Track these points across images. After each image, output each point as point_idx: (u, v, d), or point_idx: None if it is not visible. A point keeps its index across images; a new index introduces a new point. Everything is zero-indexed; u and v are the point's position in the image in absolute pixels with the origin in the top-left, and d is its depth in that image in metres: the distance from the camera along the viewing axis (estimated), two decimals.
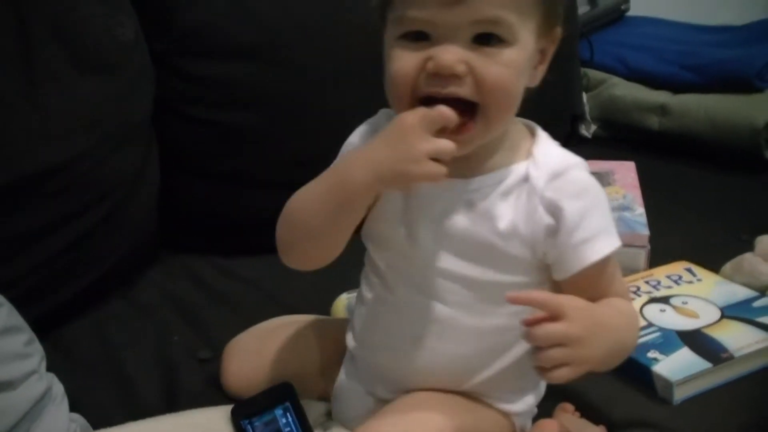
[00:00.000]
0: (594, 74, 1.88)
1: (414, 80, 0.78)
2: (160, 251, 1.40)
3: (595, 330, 0.78)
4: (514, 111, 0.82)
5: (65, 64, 1.17)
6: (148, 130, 1.32)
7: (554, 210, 0.82)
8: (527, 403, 0.94)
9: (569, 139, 1.77)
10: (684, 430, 0.97)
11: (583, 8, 2.04)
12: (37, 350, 1.03)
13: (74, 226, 1.19)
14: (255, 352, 1.04)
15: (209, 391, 1.07)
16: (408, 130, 0.76)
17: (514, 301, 0.77)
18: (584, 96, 1.84)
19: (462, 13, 0.76)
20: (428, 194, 0.84)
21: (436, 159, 0.76)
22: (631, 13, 2.10)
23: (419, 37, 0.78)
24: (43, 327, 1.05)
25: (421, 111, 0.77)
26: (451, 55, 0.76)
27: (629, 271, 1.24)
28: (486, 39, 0.77)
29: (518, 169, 0.84)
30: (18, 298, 1.01)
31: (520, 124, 0.88)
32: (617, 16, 2.06)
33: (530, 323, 0.75)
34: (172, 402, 1.07)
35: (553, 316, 0.75)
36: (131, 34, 1.26)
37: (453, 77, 0.76)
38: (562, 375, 0.76)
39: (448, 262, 0.85)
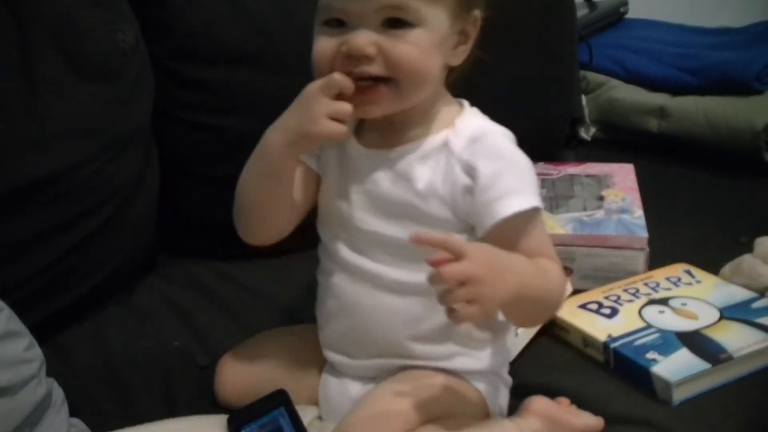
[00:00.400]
0: (593, 77, 1.88)
1: (332, 62, 0.87)
2: (159, 256, 1.40)
3: (499, 270, 0.81)
4: (428, 85, 0.89)
5: (65, 70, 1.17)
6: (147, 135, 1.32)
7: (470, 170, 0.89)
8: (485, 361, 0.97)
9: (569, 142, 1.77)
10: (683, 430, 0.97)
11: (581, 11, 2.04)
12: (37, 355, 1.03)
13: (74, 231, 1.19)
14: (248, 365, 1.07)
15: (208, 397, 1.08)
16: (309, 96, 0.88)
17: (418, 242, 0.80)
18: (583, 99, 1.84)
19: (369, 2, 0.85)
20: (357, 165, 0.95)
21: (340, 120, 0.87)
22: (629, 15, 2.10)
23: (339, 24, 0.87)
24: (42, 332, 1.04)
25: (321, 80, 0.87)
26: (361, 38, 0.85)
27: (628, 273, 1.24)
28: (394, 23, 0.85)
29: (438, 137, 0.92)
30: (18, 303, 1.01)
31: (452, 102, 0.96)
32: (616, 19, 2.07)
33: (433, 263, 0.78)
34: (170, 408, 1.08)
35: (456, 256, 0.78)
36: (131, 40, 1.26)
37: (364, 58, 0.85)
38: (469, 313, 0.79)
39: (376, 224, 0.93)
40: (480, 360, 0.97)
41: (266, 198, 0.96)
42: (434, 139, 0.92)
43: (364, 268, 0.95)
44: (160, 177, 1.36)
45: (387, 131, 0.94)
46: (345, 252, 0.96)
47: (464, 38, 0.92)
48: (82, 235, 1.20)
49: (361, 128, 0.97)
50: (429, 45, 0.86)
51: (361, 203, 0.94)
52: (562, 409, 0.99)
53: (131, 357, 1.16)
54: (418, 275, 0.86)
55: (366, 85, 0.87)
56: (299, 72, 1.34)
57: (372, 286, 0.95)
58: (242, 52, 1.33)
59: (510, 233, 0.88)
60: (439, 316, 0.89)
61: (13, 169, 1.12)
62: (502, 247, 0.84)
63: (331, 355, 1.01)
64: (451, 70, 0.94)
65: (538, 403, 0.97)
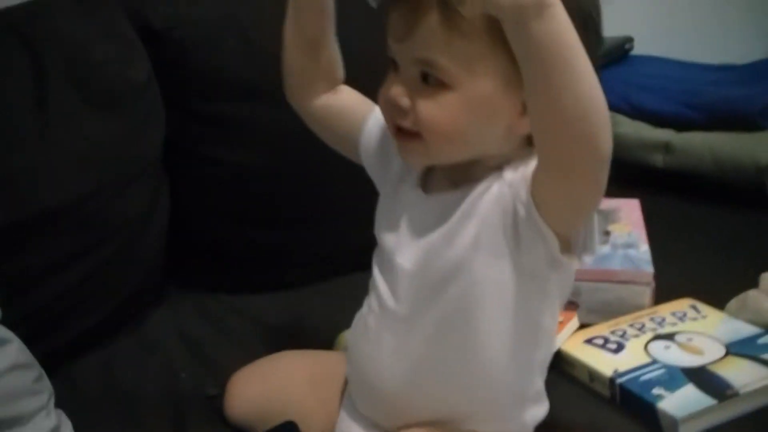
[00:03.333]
0: None
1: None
2: (169, 289, 1.41)
3: None
4: (460, 145, 0.85)
5: (78, 104, 1.19)
6: (158, 168, 1.34)
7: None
8: (519, 423, 0.94)
9: None
10: None
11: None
12: (46, 387, 1.04)
13: (84, 262, 1.21)
14: (259, 383, 1.07)
15: (217, 427, 1.08)
16: None
17: None
18: None
19: (407, 50, 0.83)
20: (412, 206, 0.92)
21: None
22: (634, 52, 2.11)
23: (396, 65, 0.86)
24: (51, 364, 1.05)
25: None
26: (396, 90, 0.84)
27: (634, 308, 1.24)
28: (430, 78, 0.82)
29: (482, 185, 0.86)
30: (27, 335, 1.02)
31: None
32: (621, 55, 2.07)
33: None
34: None
35: None
36: (143, 75, 1.28)
37: (398, 108, 0.84)
38: None
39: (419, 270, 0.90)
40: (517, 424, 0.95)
41: (294, 39, 0.96)
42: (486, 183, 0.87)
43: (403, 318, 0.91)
44: (171, 210, 1.37)
45: (446, 182, 0.91)
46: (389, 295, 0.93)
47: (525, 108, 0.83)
48: (92, 266, 1.22)
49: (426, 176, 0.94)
50: (460, 109, 0.82)
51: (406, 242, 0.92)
52: None
53: (140, 388, 1.17)
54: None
55: (400, 135, 0.86)
56: None
57: (403, 335, 0.92)
58: (252, 87, 1.35)
59: None
60: (469, 373, 0.89)
61: (26, 200, 1.13)
62: None
63: (361, 406, 0.99)
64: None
65: None
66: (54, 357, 1.10)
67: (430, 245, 0.88)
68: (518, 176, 0.83)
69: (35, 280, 1.15)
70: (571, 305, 1.25)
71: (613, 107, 1.85)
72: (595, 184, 0.77)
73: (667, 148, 1.75)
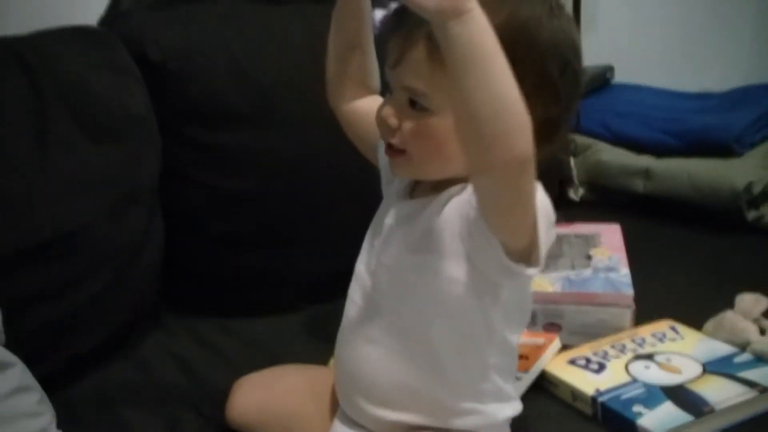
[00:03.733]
0: (581, 140, 1.94)
1: None
2: (164, 312, 1.44)
3: None
4: (441, 163, 0.92)
5: (77, 132, 1.23)
6: (153, 195, 1.37)
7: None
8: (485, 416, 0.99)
9: (558, 203, 1.82)
10: None
11: None
12: (48, 409, 1.06)
13: (81, 288, 1.23)
14: (261, 390, 1.12)
15: None
16: None
17: None
18: (572, 161, 1.90)
19: (397, 76, 0.92)
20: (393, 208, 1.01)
21: None
22: (615, 80, 2.17)
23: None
24: (49, 385, 1.07)
25: None
26: (386, 110, 0.93)
27: (615, 329, 1.28)
28: (415, 104, 0.91)
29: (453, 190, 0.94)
30: (26, 358, 1.04)
31: None
32: (602, 84, 2.13)
33: None
34: None
35: None
36: (141, 105, 1.32)
37: (387, 127, 0.93)
38: None
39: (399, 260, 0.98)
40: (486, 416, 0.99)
41: (333, 44, 1.05)
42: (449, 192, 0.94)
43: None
44: (166, 235, 1.40)
45: (429, 190, 0.98)
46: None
47: None
48: (89, 291, 1.24)
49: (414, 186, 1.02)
50: (439, 133, 0.89)
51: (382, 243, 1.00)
52: None
53: (136, 409, 1.19)
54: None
55: (389, 150, 0.94)
56: (296, 132, 1.41)
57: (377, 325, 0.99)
58: (243, 115, 1.40)
59: None
60: (436, 364, 0.95)
61: (24, 227, 1.16)
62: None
63: (347, 404, 1.05)
64: None
65: None
66: (51, 380, 1.10)
67: (404, 244, 0.97)
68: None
69: (35, 302, 1.18)
70: (553, 327, 1.30)
71: (595, 134, 1.95)
72: (515, 187, 0.79)
73: (647, 173, 1.80)
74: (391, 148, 0.94)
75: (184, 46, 1.37)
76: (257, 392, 1.11)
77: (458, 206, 0.91)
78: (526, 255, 0.87)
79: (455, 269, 0.92)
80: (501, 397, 1.00)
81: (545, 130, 0.85)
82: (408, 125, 0.91)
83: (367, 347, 0.99)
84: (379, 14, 1.01)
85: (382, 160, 1.05)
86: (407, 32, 0.89)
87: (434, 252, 0.93)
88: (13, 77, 1.23)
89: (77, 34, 1.34)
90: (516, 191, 0.80)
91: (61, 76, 1.25)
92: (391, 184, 1.05)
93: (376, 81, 1.07)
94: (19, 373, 1.04)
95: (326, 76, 1.08)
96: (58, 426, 1.06)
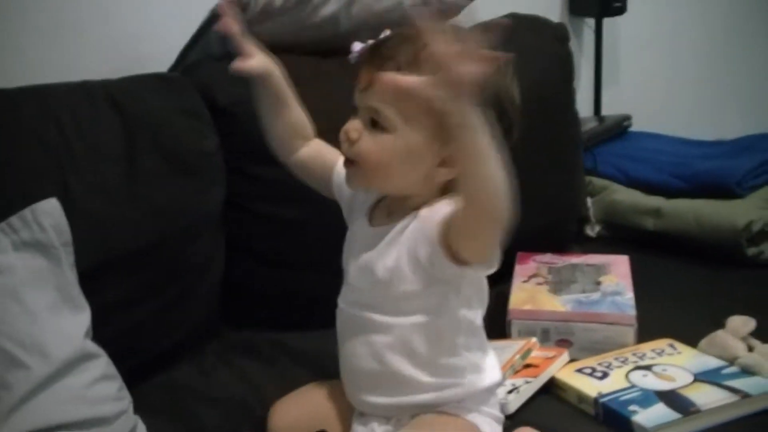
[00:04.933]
0: (598, 181, 2.07)
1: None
2: (223, 327, 1.59)
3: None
4: (389, 178, 1.11)
5: (159, 166, 1.41)
6: (219, 221, 1.53)
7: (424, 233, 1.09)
8: (468, 385, 1.16)
9: (576, 238, 1.95)
10: None
11: (591, 124, 2.27)
12: (127, 396, 1.23)
13: (155, 299, 1.41)
14: (296, 409, 1.27)
15: None
16: None
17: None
18: (589, 200, 2.02)
19: (364, 98, 1.09)
20: (360, 238, 1.18)
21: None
22: (633, 128, 2.31)
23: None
24: (126, 382, 1.24)
25: None
26: (349, 124, 1.10)
27: (619, 346, 1.43)
28: (375, 124, 1.08)
29: (404, 222, 1.12)
30: (109, 356, 1.23)
31: (443, 198, 1.11)
32: (620, 131, 2.28)
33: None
34: None
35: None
36: (213, 144, 1.50)
37: (347, 138, 1.10)
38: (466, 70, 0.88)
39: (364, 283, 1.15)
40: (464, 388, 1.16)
41: (264, 111, 1.26)
42: (401, 224, 1.12)
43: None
44: (226, 258, 1.56)
45: (385, 214, 1.17)
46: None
47: (444, 163, 1.09)
48: (162, 302, 1.43)
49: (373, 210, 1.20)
50: (392, 150, 1.08)
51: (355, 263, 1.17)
52: None
53: (200, 405, 1.36)
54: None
55: (346, 162, 1.13)
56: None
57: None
58: None
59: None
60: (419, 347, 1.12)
61: (112, 243, 1.35)
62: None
63: (352, 397, 1.21)
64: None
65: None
66: (127, 377, 1.27)
67: (366, 264, 1.14)
68: (430, 214, 1.09)
69: (117, 310, 1.35)
70: (564, 343, 1.46)
71: (611, 177, 2.10)
72: (493, 233, 1.00)
73: (657, 213, 1.92)
74: (347, 161, 1.12)
75: (247, 94, 1.52)
76: (292, 412, 1.25)
77: (413, 233, 1.09)
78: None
79: (416, 283, 1.10)
80: (477, 370, 1.17)
81: None
82: (365, 140, 1.09)
83: (356, 345, 1.16)
84: (357, 46, 1.15)
85: (339, 191, 1.25)
86: (380, 63, 1.06)
87: (395, 274, 1.10)
88: (109, 115, 1.42)
89: (160, 80, 1.52)
90: (493, 236, 1.01)
91: (147, 117, 1.44)
92: (352, 214, 1.22)
93: (309, 130, 1.28)
94: (104, 363, 1.22)
95: (267, 139, 1.27)
96: (134, 413, 1.23)
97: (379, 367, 1.15)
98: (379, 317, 1.14)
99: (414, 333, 1.12)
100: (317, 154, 1.29)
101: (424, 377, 1.14)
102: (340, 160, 1.21)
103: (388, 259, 1.11)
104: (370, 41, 1.15)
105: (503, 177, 0.95)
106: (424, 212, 1.10)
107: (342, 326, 1.21)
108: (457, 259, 1.05)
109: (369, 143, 1.09)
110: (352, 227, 1.23)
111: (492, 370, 1.19)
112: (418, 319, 1.12)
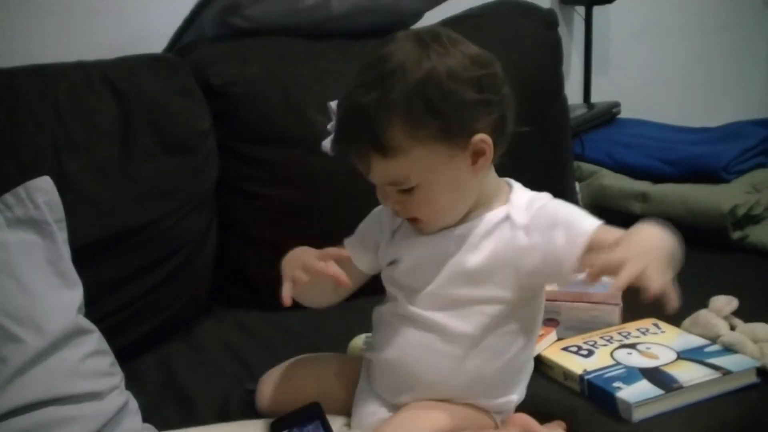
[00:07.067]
0: (586, 167, 2.09)
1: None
2: (214, 305, 1.61)
3: (632, 241, 1.06)
4: (447, 212, 1.10)
5: (156, 145, 1.43)
6: (211, 201, 1.55)
7: (529, 232, 1.10)
8: (508, 401, 1.18)
9: None
10: None
11: (580, 111, 2.30)
12: (119, 371, 1.24)
13: (150, 276, 1.43)
14: (283, 382, 1.27)
15: (253, 412, 1.28)
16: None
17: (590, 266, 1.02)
18: (577, 185, 2.04)
19: (374, 178, 1.08)
20: (425, 241, 1.14)
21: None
22: (621, 115, 2.33)
23: None
24: (118, 358, 1.25)
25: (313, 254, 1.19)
26: (387, 203, 1.11)
27: (605, 324, 1.45)
28: (402, 189, 1.07)
29: (498, 212, 1.12)
30: (103, 333, 1.23)
31: (501, 183, 1.16)
32: (609, 118, 2.30)
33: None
34: (223, 419, 1.27)
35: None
36: (206, 124, 1.52)
37: (396, 212, 1.12)
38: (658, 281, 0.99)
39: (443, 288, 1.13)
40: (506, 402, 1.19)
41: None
42: (494, 215, 1.11)
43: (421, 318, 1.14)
44: (218, 238, 1.58)
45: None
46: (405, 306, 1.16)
47: (476, 158, 1.06)
48: (156, 279, 1.45)
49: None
50: (433, 194, 1.07)
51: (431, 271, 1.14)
52: (537, 424, 1.18)
53: (192, 380, 1.37)
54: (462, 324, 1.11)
55: (409, 220, 1.13)
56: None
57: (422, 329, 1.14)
58: (289, 135, 1.57)
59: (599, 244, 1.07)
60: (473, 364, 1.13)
61: (107, 221, 1.37)
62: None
63: (377, 385, 1.19)
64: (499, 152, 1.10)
65: (519, 417, 1.19)
66: (120, 353, 1.28)
67: (451, 269, 1.11)
68: (523, 223, 1.10)
69: (111, 287, 1.37)
70: (552, 322, 1.47)
71: (599, 162, 2.11)
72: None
73: (644, 197, 1.95)
74: (409, 219, 1.12)
75: (241, 74, 1.56)
76: (279, 385, 1.26)
77: (505, 239, 1.10)
78: None
79: (508, 292, 1.11)
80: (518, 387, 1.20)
81: (499, 128, 1.07)
82: (408, 205, 1.08)
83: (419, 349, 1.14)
84: (327, 143, 1.19)
85: (381, 255, 1.21)
86: (356, 151, 1.06)
87: (485, 281, 1.11)
88: (104, 95, 1.43)
89: (154, 60, 1.54)
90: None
91: (142, 97, 1.45)
92: (382, 239, 1.20)
93: (359, 278, 1.23)
94: (97, 339, 1.23)
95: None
96: (127, 388, 1.23)
97: (449, 374, 1.14)
98: (455, 323, 1.13)
99: (499, 339, 1.14)
100: (358, 278, 1.24)
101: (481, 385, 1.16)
102: (358, 258, 1.23)
103: (488, 245, 1.11)
104: (329, 125, 1.16)
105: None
106: (519, 216, 1.11)
107: (399, 324, 1.17)
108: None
109: (414, 205, 1.09)
110: (390, 244, 1.20)
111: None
112: (507, 326, 1.14)
